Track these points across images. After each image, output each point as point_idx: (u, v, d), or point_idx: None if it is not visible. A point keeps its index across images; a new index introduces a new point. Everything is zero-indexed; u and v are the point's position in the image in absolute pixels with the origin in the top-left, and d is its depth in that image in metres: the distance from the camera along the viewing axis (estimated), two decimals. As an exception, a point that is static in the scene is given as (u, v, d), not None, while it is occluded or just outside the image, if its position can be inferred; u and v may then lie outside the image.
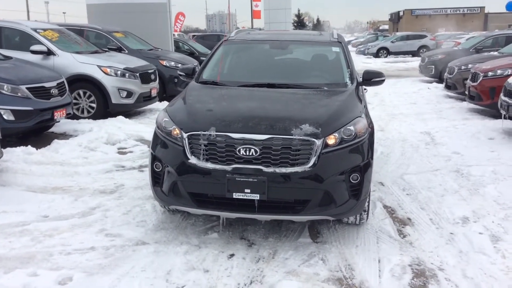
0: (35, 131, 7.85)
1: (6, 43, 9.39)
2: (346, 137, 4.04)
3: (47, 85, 7.24)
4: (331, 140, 3.96)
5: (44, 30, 9.53)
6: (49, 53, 9.14)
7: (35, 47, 8.97)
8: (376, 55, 34.63)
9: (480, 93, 10.03)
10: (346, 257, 3.96)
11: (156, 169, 4.21)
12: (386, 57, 34.01)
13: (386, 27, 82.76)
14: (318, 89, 4.75)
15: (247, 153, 3.88)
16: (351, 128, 4.09)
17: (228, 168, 3.90)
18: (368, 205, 4.55)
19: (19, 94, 6.83)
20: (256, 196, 3.88)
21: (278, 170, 3.86)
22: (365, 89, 5.88)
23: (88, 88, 9.19)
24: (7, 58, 7.98)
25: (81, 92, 9.24)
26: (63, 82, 7.71)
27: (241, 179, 3.86)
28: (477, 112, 10.66)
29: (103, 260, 3.82)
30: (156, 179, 4.22)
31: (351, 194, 4.03)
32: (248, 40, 5.73)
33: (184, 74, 5.38)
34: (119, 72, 9.32)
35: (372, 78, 5.12)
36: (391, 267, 3.78)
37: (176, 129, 4.13)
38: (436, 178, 6.00)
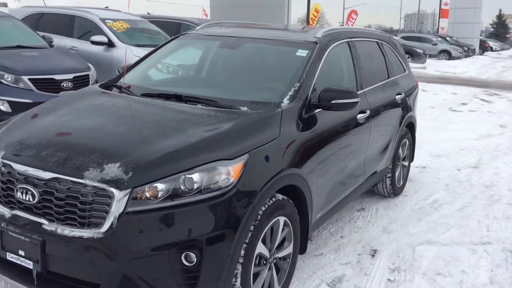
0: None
1: (78, 32, 9.24)
2: (184, 189, 2.49)
3: (58, 77, 6.68)
4: (146, 193, 2.46)
5: (114, 20, 9.14)
6: (110, 44, 8.71)
7: (95, 38, 8.61)
8: None
9: None
10: None
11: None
12: None
13: None
14: (229, 109, 3.17)
15: (24, 197, 2.59)
16: (195, 177, 2.52)
17: (8, 213, 2.67)
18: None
19: (20, 85, 6.37)
20: (30, 264, 2.58)
21: (61, 230, 2.51)
22: (363, 111, 4.00)
23: (139, 83, 8.52)
24: (51, 46, 7.71)
25: (133, 87, 8.62)
26: (85, 75, 7.08)
27: (14, 235, 2.60)
28: None
29: None
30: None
31: (182, 282, 2.49)
32: (203, 35, 4.32)
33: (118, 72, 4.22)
34: (171, 69, 8.45)
35: (333, 99, 3.32)
36: None
37: None
38: (467, 259, 3.88)
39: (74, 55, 7.84)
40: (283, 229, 3.07)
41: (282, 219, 3.00)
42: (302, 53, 3.66)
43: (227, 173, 2.60)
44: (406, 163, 5.44)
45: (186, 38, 4.38)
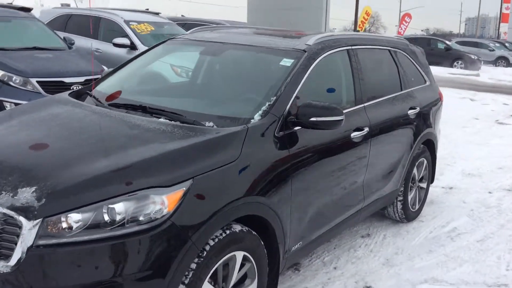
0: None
1: (104, 34, 9.14)
2: (107, 221, 2.15)
3: (67, 80, 6.53)
4: (63, 224, 2.13)
5: (139, 23, 8.98)
6: (132, 47, 8.54)
7: (117, 40, 8.48)
8: None
9: None
10: None
11: None
12: None
13: None
14: (191, 124, 2.81)
15: None
16: (117, 207, 2.17)
17: None
18: None
19: (28, 87, 6.26)
20: None
21: (-27, 260, 2.22)
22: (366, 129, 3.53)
23: (159, 87, 8.29)
24: (70, 48, 7.61)
25: (152, 91, 8.41)
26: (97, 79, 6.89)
27: None
28: None
29: None
30: None
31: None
32: (190, 40, 3.99)
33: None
34: (190, 73, 8.18)
35: (312, 116, 2.89)
36: None
37: None
38: (475, 304, 3.34)
39: (90, 57, 7.70)
40: (243, 265, 2.67)
41: (240, 254, 2.61)
42: (286, 62, 3.24)
43: (161, 202, 2.23)
44: (424, 185, 4.89)
45: (173, 43, 4.07)
